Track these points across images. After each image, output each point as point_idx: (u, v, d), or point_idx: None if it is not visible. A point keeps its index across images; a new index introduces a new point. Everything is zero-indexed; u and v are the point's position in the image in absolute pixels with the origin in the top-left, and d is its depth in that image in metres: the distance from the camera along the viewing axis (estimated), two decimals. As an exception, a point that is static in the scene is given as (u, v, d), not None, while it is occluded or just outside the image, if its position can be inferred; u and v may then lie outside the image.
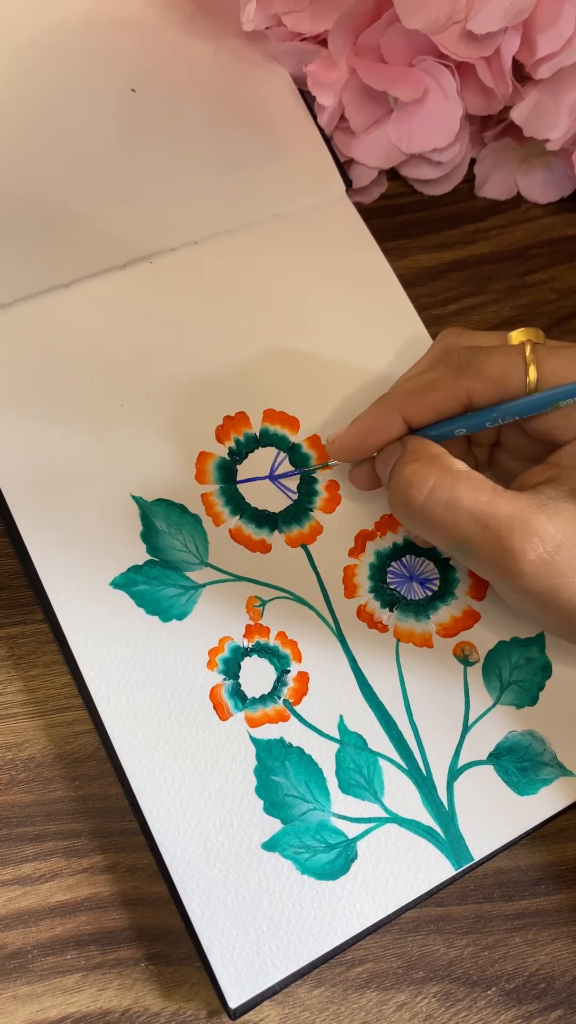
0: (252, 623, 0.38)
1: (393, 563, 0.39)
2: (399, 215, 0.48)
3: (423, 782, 0.37)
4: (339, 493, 0.40)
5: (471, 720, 0.38)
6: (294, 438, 0.40)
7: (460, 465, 0.34)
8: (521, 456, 0.38)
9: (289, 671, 0.37)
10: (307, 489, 0.40)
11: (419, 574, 0.39)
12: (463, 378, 0.35)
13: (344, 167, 0.46)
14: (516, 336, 0.36)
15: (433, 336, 0.43)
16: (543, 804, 0.37)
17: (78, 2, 0.45)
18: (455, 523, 0.33)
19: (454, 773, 0.37)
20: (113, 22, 0.45)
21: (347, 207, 0.45)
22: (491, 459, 0.40)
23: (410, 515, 0.34)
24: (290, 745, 0.36)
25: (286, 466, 0.40)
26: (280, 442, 0.40)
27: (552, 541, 0.31)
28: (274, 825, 0.36)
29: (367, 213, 0.46)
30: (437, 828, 0.36)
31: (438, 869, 0.36)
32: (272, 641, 0.38)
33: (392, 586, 0.39)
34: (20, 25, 0.44)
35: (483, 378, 0.35)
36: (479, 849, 0.36)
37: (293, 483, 0.40)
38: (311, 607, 0.38)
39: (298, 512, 0.39)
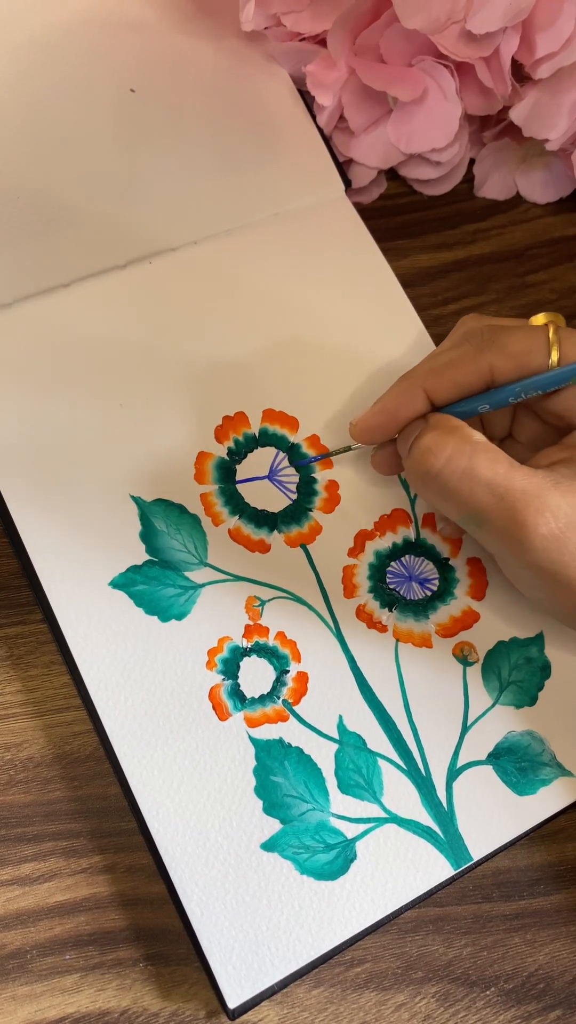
0: (251, 623, 0.38)
1: (392, 563, 0.39)
2: (399, 215, 0.48)
3: (422, 782, 0.37)
4: (338, 493, 0.40)
5: (470, 720, 0.38)
6: (293, 438, 0.40)
7: (479, 437, 0.34)
8: (533, 447, 0.38)
9: (288, 671, 0.37)
10: (306, 489, 0.40)
11: (418, 574, 0.39)
12: (486, 354, 0.35)
13: (343, 167, 0.46)
14: (538, 319, 0.37)
15: (433, 336, 0.43)
16: (542, 804, 0.37)
17: (77, 2, 0.45)
18: (471, 492, 0.33)
19: (453, 773, 0.37)
20: (112, 22, 0.45)
21: (346, 207, 0.45)
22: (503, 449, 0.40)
23: (427, 482, 0.34)
24: (289, 745, 0.36)
25: (286, 467, 0.40)
26: (279, 442, 0.40)
27: (564, 517, 0.32)
28: (273, 825, 0.36)
29: (366, 213, 0.46)
30: (436, 828, 0.36)
31: (437, 869, 0.36)
32: (271, 641, 0.38)
33: (391, 586, 0.39)
34: (20, 25, 0.44)
35: (506, 355, 0.35)
36: (478, 849, 0.36)
37: (292, 483, 0.40)
38: (310, 607, 0.38)
39: (297, 512, 0.39)
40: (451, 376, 0.36)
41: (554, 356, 0.35)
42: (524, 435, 0.39)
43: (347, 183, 0.45)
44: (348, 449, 0.40)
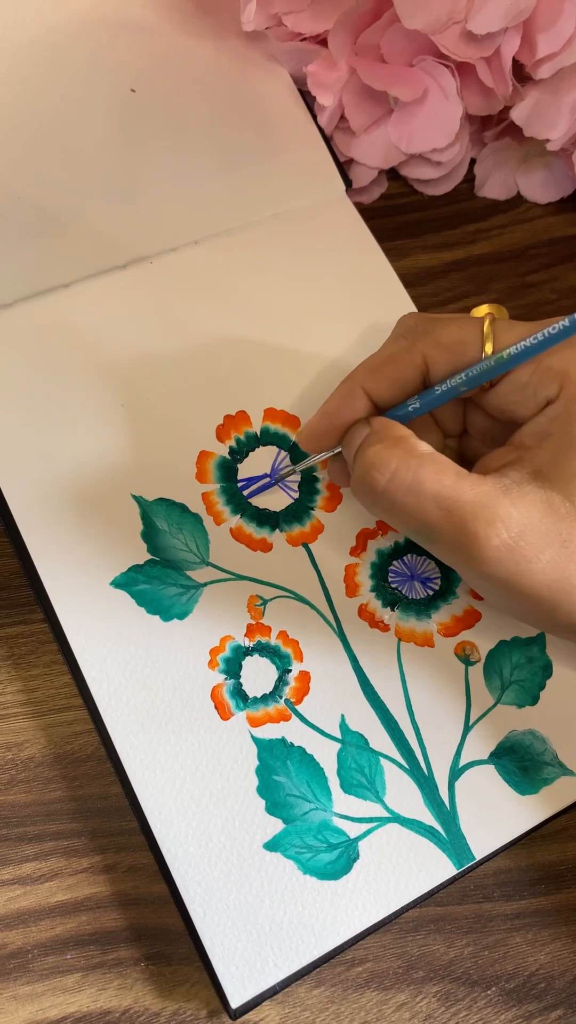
0: (253, 622, 0.38)
1: (395, 562, 0.39)
2: (399, 215, 0.48)
3: (424, 782, 0.37)
4: (340, 492, 0.40)
5: (472, 720, 0.38)
6: (295, 436, 0.40)
7: (424, 447, 0.33)
8: (489, 443, 0.37)
9: (290, 670, 0.37)
10: (308, 488, 0.40)
11: (420, 573, 0.39)
12: (419, 344, 0.35)
13: (344, 167, 0.46)
14: (480, 311, 0.36)
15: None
16: (544, 803, 0.37)
17: (78, 2, 0.45)
18: (418, 507, 0.32)
19: (455, 773, 0.37)
20: (113, 22, 0.45)
21: (347, 207, 0.45)
22: (461, 449, 0.39)
23: (373, 499, 0.33)
24: (292, 745, 0.36)
25: (288, 466, 0.40)
26: (281, 441, 0.40)
27: (516, 526, 0.31)
28: (276, 825, 0.35)
29: (367, 213, 0.46)
30: (439, 828, 0.36)
31: (440, 868, 0.36)
32: (273, 640, 0.38)
33: (393, 585, 0.39)
34: (20, 26, 0.44)
35: (440, 346, 0.34)
36: (480, 848, 0.36)
37: (294, 482, 0.40)
38: (312, 606, 0.38)
39: (299, 511, 0.39)
40: (388, 372, 0.35)
41: (488, 348, 0.34)
42: (477, 430, 0.38)
43: (348, 183, 0.45)
44: (293, 471, 0.40)
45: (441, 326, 0.35)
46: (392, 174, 0.49)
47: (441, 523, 0.32)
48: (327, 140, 0.45)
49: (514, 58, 0.42)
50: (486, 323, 0.34)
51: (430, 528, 0.32)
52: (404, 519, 0.33)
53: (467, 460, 0.39)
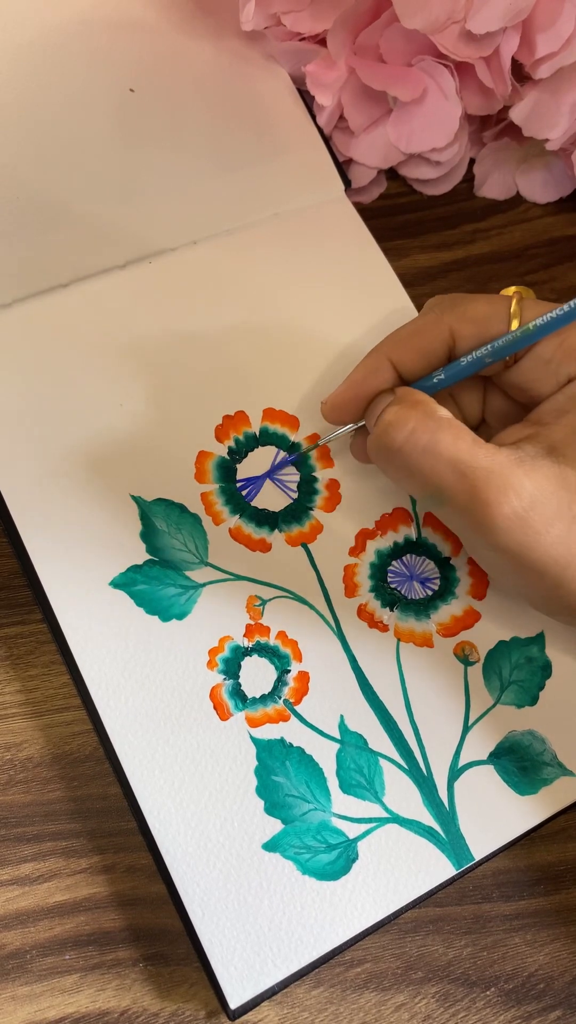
0: (252, 622, 0.38)
1: (394, 562, 0.39)
2: (398, 215, 0.48)
3: (424, 782, 0.37)
4: (339, 492, 0.40)
5: (471, 720, 0.38)
6: (294, 437, 0.40)
7: (443, 412, 0.33)
8: (509, 421, 0.38)
9: (289, 671, 0.37)
10: (307, 488, 0.40)
11: (420, 573, 0.39)
12: (447, 317, 0.35)
13: (343, 167, 0.46)
14: (510, 289, 0.37)
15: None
16: (543, 804, 0.37)
17: (77, 3, 0.45)
18: (432, 469, 0.32)
19: (455, 773, 0.37)
20: (112, 22, 0.45)
21: (346, 207, 0.45)
22: (478, 429, 0.39)
23: (388, 458, 0.34)
24: (291, 745, 0.36)
25: (287, 466, 0.40)
26: (280, 441, 0.40)
27: (528, 497, 0.31)
28: (275, 825, 0.35)
29: (366, 213, 0.46)
30: (438, 828, 0.36)
31: (439, 869, 0.36)
32: (272, 641, 0.38)
33: (393, 585, 0.39)
34: (20, 26, 0.44)
35: (467, 319, 0.35)
36: (480, 849, 0.36)
37: (293, 482, 0.40)
38: (311, 606, 0.38)
39: (298, 511, 0.39)
40: (415, 344, 0.36)
41: (514, 324, 0.34)
42: (495, 417, 0.38)
43: (347, 183, 0.45)
44: (315, 447, 0.40)
45: (469, 301, 0.35)
46: (391, 174, 0.49)
47: (454, 486, 0.32)
48: (326, 140, 0.45)
49: (513, 58, 0.42)
50: (514, 300, 0.35)
51: (443, 491, 0.32)
52: (418, 480, 0.33)
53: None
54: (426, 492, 0.33)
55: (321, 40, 0.44)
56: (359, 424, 0.38)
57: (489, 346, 0.35)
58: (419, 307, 0.44)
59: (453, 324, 0.35)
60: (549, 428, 0.34)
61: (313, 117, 0.45)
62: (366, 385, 0.36)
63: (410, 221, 0.48)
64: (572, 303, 0.33)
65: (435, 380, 0.36)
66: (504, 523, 0.31)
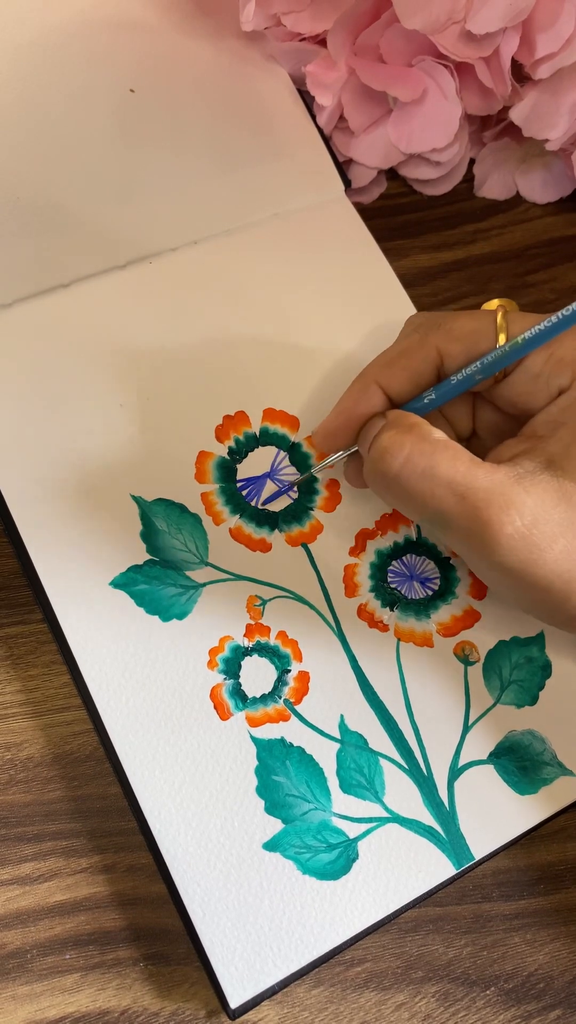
0: (252, 622, 0.38)
1: (394, 562, 0.39)
2: (398, 215, 0.48)
3: (424, 782, 0.37)
4: (339, 492, 0.40)
5: (471, 720, 0.38)
6: (294, 437, 0.40)
7: (439, 434, 0.33)
8: (498, 441, 0.37)
9: (290, 670, 0.37)
10: (307, 488, 0.40)
11: (420, 573, 0.39)
12: (433, 337, 0.35)
13: (343, 167, 0.46)
14: (490, 305, 0.36)
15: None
16: (543, 803, 0.37)
17: (78, 3, 0.45)
18: (432, 493, 0.32)
19: (455, 773, 0.37)
20: (112, 23, 0.45)
21: (346, 207, 0.45)
22: (471, 450, 0.39)
23: (386, 484, 0.33)
24: (291, 745, 0.36)
25: (287, 466, 0.40)
26: (280, 441, 0.40)
27: (530, 514, 0.31)
28: (275, 825, 0.35)
29: (366, 213, 0.46)
30: (438, 828, 0.36)
31: (439, 869, 0.36)
32: (272, 640, 0.38)
33: (393, 585, 0.39)
34: (20, 26, 0.44)
35: (453, 337, 0.35)
36: (480, 848, 0.36)
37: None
38: (312, 606, 0.38)
39: (298, 511, 0.39)
40: (402, 365, 0.35)
41: (501, 337, 0.34)
42: (487, 430, 0.38)
43: (347, 183, 0.45)
44: (309, 475, 0.40)
45: (453, 319, 0.35)
46: (391, 174, 0.49)
47: (454, 509, 0.32)
48: (326, 140, 0.45)
49: (513, 58, 0.42)
50: (499, 314, 0.34)
51: (443, 514, 0.32)
52: (417, 505, 0.33)
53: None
54: (425, 516, 0.33)
55: (321, 40, 0.44)
56: (351, 450, 0.37)
57: (479, 363, 0.34)
58: (420, 307, 0.44)
59: (440, 343, 0.35)
60: (545, 441, 0.33)
61: (313, 117, 0.45)
62: (356, 410, 0.36)
63: (410, 221, 0.48)
64: (559, 314, 0.33)
65: (426, 400, 0.35)
66: (507, 542, 0.31)
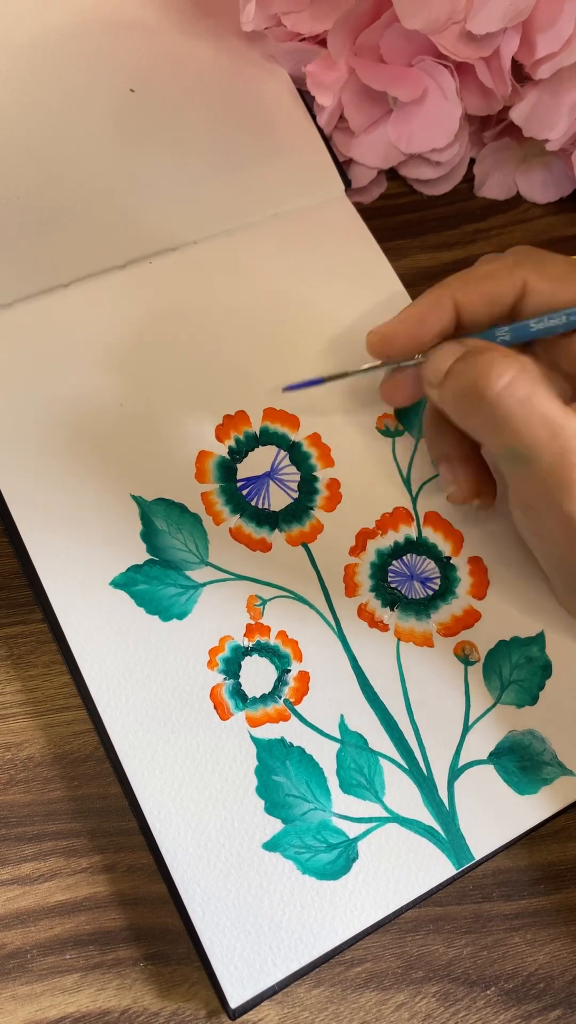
0: (252, 622, 0.38)
1: (394, 562, 0.39)
2: (398, 215, 0.48)
3: (424, 782, 0.37)
4: (340, 491, 0.40)
5: (471, 719, 0.38)
6: (294, 436, 0.40)
7: (539, 369, 0.32)
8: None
9: (290, 670, 0.37)
10: (307, 487, 0.40)
11: (420, 573, 0.39)
12: (522, 268, 0.34)
13: (343, 167, 0.46)
14: None
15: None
16: (543, 803, 0.37)
17: (77, 3, 0.45)
18: (526, 422, 0.31)
19: (455, 772, 0.37)
20: (112, 23, 0.45)
21: (346, 207, 0.45)
22: None
23: (476, 405, 0.32)
24: (291, 745, 0.36)
25: (287, 465, 0.40)
26: (280, 440, 0.40)
27: None
28: (275, 825, 0.35)
29: (366, 213, 0.46)
30: (438, 828, 0.36)
31: (439, 868, 0.36)
32: (273, 640, 0.38)
33: (393, 585, 0.39)
34: (20, 26, 0.44)
35: (543, 274, 0.33)
36: (480, 848, 0.36)
37: (293, 481, 0.40)
38: (312, 606, 0.38)
39: (298, 510, 0.39)
40: (484, 287, 0.34)
41: None
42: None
43: (347, 183, 0.45)
44: (345, 375, 0.38)
45: (549, 259, 0.34)
46: (391, 174, 0.49)
47: (545, 444, 0.31)
48: (326, 140, 0.45)
49: (513, 58, 0.42)
50: None
51: (531, 447, 0.31)
52: (507, 431, 0.32)
53: None
54: (511, 446, 0.32)
55: (321, 40, 0.44)
56: (405, 363, 0.36)
57: (565, 315, 0.33)
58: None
59: (528, 276, 0.33)
60: None
61: (313, 117, 0.45)
62: (425, 323, 0.35)
63: (410, 221, 0.48)
64: None
65: (499, 338, 0.34)
66: None
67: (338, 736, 0.37)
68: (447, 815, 0.36)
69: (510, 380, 0.31)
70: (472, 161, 0.49)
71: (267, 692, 0.37)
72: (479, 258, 0.37)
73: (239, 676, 0.37)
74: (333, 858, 0.35)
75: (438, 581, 0.39)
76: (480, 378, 0.32)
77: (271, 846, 0.35)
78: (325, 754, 0.37)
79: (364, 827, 0.36)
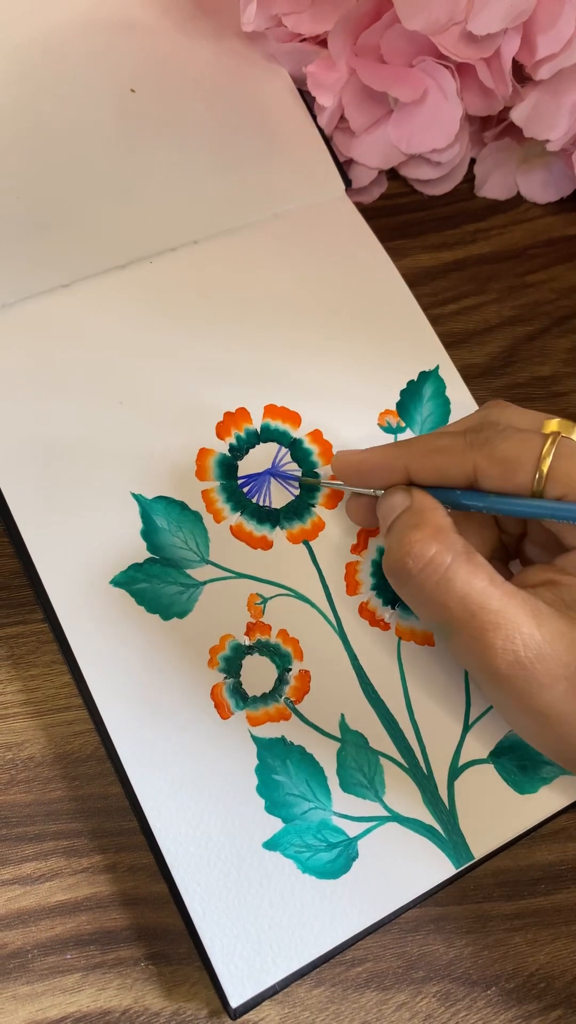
0: (253, 621, 0.38)
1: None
2: (399, 215, 0.48)
3: (424, 781, 0.37)
4: (341, 489, 0.40)
5: (472, 719, 0.38)
6: (295, 433, 0.40)
7: (462, 544, 0.32)
8: (545, 550, 0.36)
9: (290, 669, 0.37)
10: (309, 485, 0.40)
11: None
12: (474, 452, 0.33)
13: (344, 167, 0.46)
14: (551, 425, 0.33)
15: (437, 331, 0.43)
16: (543, 803, 0.37)
17: (78, 3, 0.45)
18: (444, 603, 0.31)
19: (455, 772, 0.37)
20: (113, 23, 0.45)
21: (347, 207, 0.45)
22: (519, 548, 0.38)
23: (401, 583, 0.33)
24: (291, 744, 0.36)
25: (288, 462, 0.40)
26: (281, 437, 0.40)
27: (536, 648, 0.30)
28: (275, 824, 0.35)
29: (367, 213, 0.46)
30: (438, 827, 0.36)
31: (439, 868, 0.36)
32: (273, 639, 0.38)
33: (394, 584, 0.39)
34: (20, 26, 0.44)
35: (493, 459, 0.33)
36: (480, 848, 0.36)
37: (295, 479, 0.40)
38: (313, 604, 0.38)
39: (300, 508, 0.39)
40: (436, 462, 0.34)
41: (544, 468, 0.32)
42: (538, 537, 0.37)
43: (347, 183, 0.45)
44: (319, 483, 0.39)
45: (503, 438, 0.33)
46: (392, 174, 0.49)
47: (461, 624, 0.31)
48: (327, 140, 0.45)
49: (514, 59, 0.42)
50: (547, 442, 0.32)
51: (450, 626, 0.31)
52: (428, 610, 0.32)
53: (523, 561, 0.38)
54: (434, 622, 0.32)
55: (322, 41, 0.44)
56: (363, 490, 0.37)
57: (505, 503, 0.33)
58: (423, 307, 0.44)
59: (479, 461, 0.33)
60: (571, 581, 0.33)
61: (314, 117, 0.45)
62: (374, 472, 0.35)
63: (411, 221, 0.48)
64: None
65: (457, 495, 0.34)
66: (508, 670, 0.30)
67: (338, 735, 0.37)
68: (447, 814, 0.36)
69: (428, 561, 0.32)
70: (473, 161, 0.49)
71: (268, 691, 0.37)
72: (436, 431, 0.37)
73: (240, 675, 0.37)
74: (333, 857, 0.35)
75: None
76: (399, 560, 0.32)
77: (271, 845, 0.35)
78: (325, 753, 0.37)
79: (364, 826, 0.36)
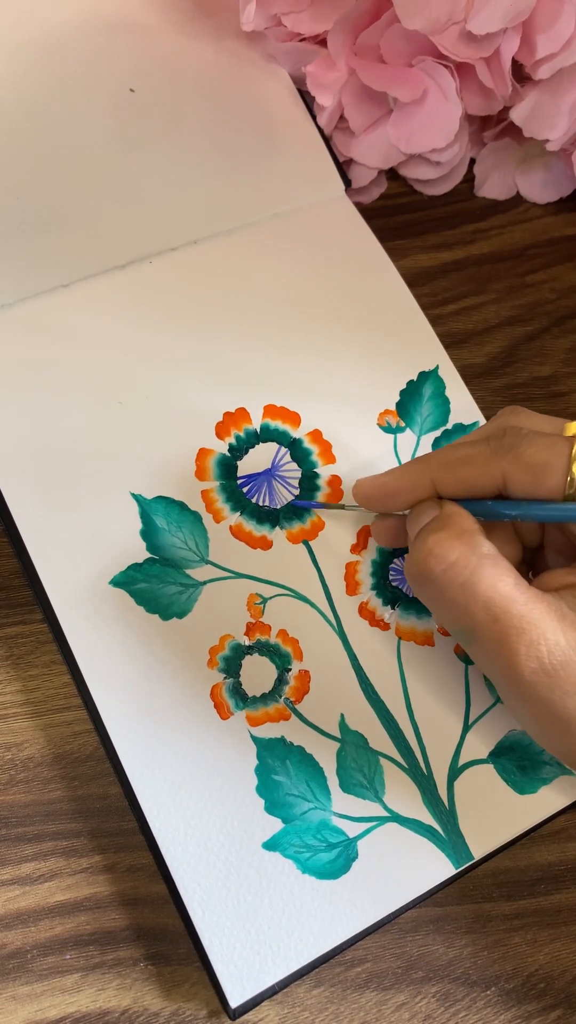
0: (253, 621, 0.38)
1: (395, 560, 0.39)
2: (398, 215, 0.48)
3: (424, 781, 0.37)
4: (341, 488, 0.40)
5: (472, 719, 0.38)
6: (295, 433, 0.40)
7: (488, 547, 0.32)
8: (565, 559, 0.36)
9: (290, 669, 0.37)
10: (309, 485, 0.40)
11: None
12: (501, 459, 0.33)
13: (343, 167, 0.46)
14: (573, 427, 0.33)
15: (437, 332, 0.43)
16: (543, 803, 0.37)
17: (78, 3, 0.45)
18: (466, 607, 0.31)
19: (455, 772, 0.37)
20: (112, 23, 0.45)
21: (347, 206, 0.45)
22: (535, 560, 0.37)
23: (423, 585, 0.32)
24: (291, 744, 0.36)
25: (288, 462, 0.40)
26: (281, 437, 0.40)
27: (561, 654, 0.30)
28: (275, 824, 0.35)
29: (367, 213, 0.46)
30: (437, 827, 0.36)
31: (438, 868, 0.36)
32: (273, 639, 0.38)
33: (394, 583, 0.39)
34: (19, 26, 0.44)
35: (521, 464, 0.32)
36: (479, 848, 0.36)
37: (295, 479, 0.40)
38: (312, 605, 0.38)
39: (299, 508, 0.39)
40: (462, 474, 0.33)
41: (574, 472, 0.31)
42: (554, 544, 0.36)
43: (347, 183, 0.45)
44: (340, 507, 0.39)
45: (528, 443, 0.32)
46: (391, 174, 0.49)
47: (484, 628, 0.30)
48: (326, 140, 0.45)
49: (513, 59, 0.42)
50: (574, 447, 0.32)
51: (473, 630, 0.31)
52: (451, 614, 0.32)
53: (538, 572, 0.37)
54: (456, 626, 0.32)
55: (321, 41, 0.44)
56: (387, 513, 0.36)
57: (538, 509, 0.32)
58: (423, 307, 0.44)
59: (507, 468, 0.32)
60: None
61: (313, 117, 0.45)
62: (399, 495, 0.35)
63: (410, 221, 0.48)
64: None
65: (489, 504, 0.33)
66: (531, 676, 0.30)
67: (338, 735, 0.37)
68: (447, 815, 0.36)
69: (451, 564, 0.31)
70: (472, 161, 0.49)
71: (267, 691, 0.37)
72: (454, 443, 0.36)
73: (239, 675, 0.37)
74: (333, 857, 0.35)
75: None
76: (422, 562, 0.32)
77: (271, 845, 0.35)
78: (325, 753, 0.36)
79: (364, 826, 0.36)
